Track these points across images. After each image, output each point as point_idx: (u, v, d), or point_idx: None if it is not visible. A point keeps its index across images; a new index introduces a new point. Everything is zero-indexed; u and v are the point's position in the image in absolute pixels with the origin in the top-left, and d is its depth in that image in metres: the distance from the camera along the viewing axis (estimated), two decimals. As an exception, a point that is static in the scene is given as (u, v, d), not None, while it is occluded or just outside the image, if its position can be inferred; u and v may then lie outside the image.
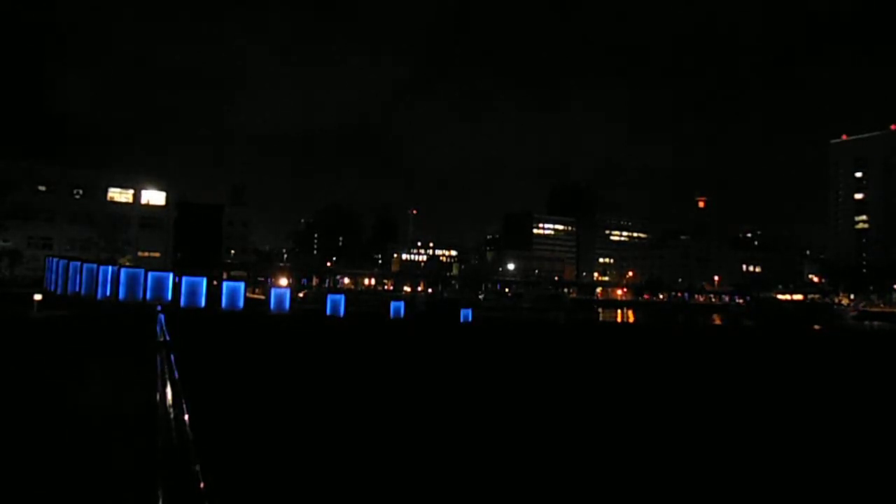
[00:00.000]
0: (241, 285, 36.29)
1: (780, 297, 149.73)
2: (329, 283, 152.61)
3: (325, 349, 22.81)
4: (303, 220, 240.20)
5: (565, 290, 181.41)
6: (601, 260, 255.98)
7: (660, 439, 11.05)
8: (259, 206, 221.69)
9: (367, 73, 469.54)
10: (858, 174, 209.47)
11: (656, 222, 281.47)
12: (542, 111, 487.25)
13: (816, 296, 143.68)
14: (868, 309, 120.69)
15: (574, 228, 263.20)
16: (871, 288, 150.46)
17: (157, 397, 6.19)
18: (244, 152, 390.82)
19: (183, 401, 4.91)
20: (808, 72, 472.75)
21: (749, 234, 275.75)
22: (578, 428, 11.74)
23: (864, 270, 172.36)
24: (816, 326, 63.71)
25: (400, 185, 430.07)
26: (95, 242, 70.51)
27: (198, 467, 3.02)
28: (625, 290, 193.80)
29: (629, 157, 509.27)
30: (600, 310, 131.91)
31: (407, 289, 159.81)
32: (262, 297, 51.15)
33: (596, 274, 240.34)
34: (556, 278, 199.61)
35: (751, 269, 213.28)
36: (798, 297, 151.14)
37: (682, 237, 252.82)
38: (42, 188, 77.55)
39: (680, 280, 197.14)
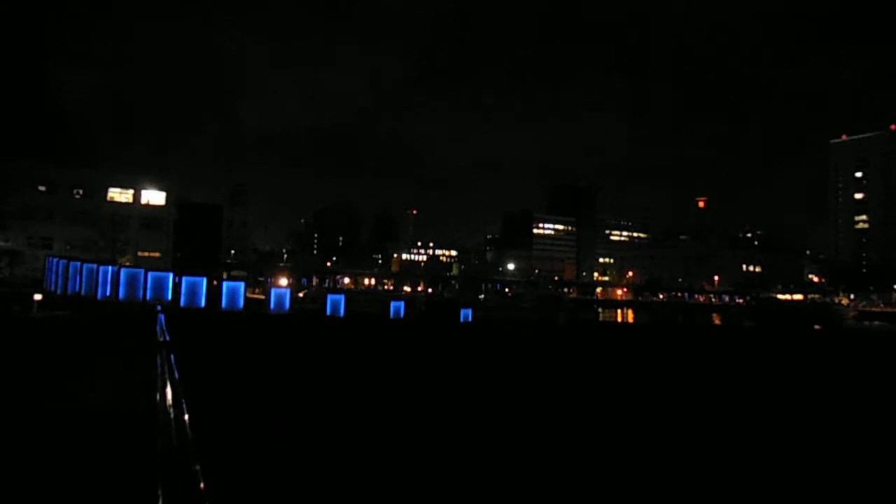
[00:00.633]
0: (241, 285, 36.29)
1: (780, 297, 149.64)
2: (329, 283, 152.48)
3: (325, 349, 22.80)
4: (303, 220, 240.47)
5: (565, 289, 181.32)
6: (601, 260, 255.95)
7: (658, 439, 11.04)
8: (259, 206, 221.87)
9: (368, 73, 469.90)
10: (858, 174, 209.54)
11: (656, 222, 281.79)
12: (543, 111, 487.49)
13: (816, 296, 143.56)
14: (868, 309, 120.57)
15: (574, 228, 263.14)
16: (871, 288, 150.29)
17: (158, 397, 6.18)
18: (244, 152, 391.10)
19: (183, 401, 4.90)
20: (809, 72, 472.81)
21: (749, 234, 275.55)
22: (577, 427, 11.72)
23: (864, 270, 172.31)
24: (816, 326, 63.70)
25: (400, 184, 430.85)
26: (95, 242, 70.37)
27: (198, 467, 3.01)
28: (625, 290, 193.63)
29: (629, 157, 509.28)
30: (600, 310, 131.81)
31: (407, 289, 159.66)
32: (262, 297, 51.10)
33: (596, 274, 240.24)
34: (556, 278, 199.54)
35: (751, 269, 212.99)
36: (798, 297, 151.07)
37: (682, 237, 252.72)
38: (42, 188, 77.44)
39: (680, 280, 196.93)
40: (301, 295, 73.58)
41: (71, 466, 6.76)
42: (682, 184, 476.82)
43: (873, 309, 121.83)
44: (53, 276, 41.02)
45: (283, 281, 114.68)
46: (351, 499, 7.65)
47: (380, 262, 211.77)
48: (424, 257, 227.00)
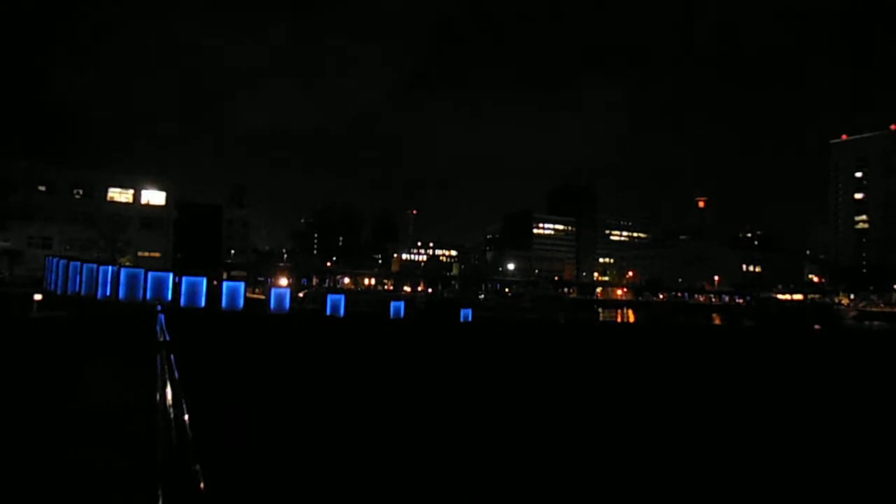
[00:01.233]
0: (241, 285, 36.24)
1: (780, 297, 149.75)
2: (329, 283, 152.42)
3: (325, 349, 22.80)
4: (303, 220, 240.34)
5: (565, 289, 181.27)
6: (601, 260, 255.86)
7: (657, 439, 11.03)
8: (259, 206, 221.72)
9: (368, 73, 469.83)
10: (858, 174, 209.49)
11: (656, 222, 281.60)
12: (543, 111, 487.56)
13: (816, 296, 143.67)
14: (868, 309, 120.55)
15: (574, 228, 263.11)
16: (871, 288, 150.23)
17: (158, 397, 6.17)
18: (244, 152, 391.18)
19: (183, 401, 4.89)
20: (809, 72, 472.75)
21: (749, 234, 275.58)
22: (576, 427, 11.72)
23: (864, 270, 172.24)
24: (816, 326, 63.69)
25: (400, 184, 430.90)
26: (95, 242, 70.37)
27: (198, 467, 3.00)
28: (625, 290, 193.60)
29: (629, 157, 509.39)
30: (600, 310, 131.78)
31: (407, 289, 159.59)
32: (262, 296, 51.07)
33: (596, 274, 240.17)
34: (556, 278, 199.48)
35: (751, 269, 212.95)
36: (798, 297, 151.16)
37: (682, 237, 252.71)
38: (42, 188, 77.41)
39: (680, 280, 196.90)
40: (301, 295, 73.56)
41: (71, 466, 6.76)
42: (682, 184, 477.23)
43: (873, 309, 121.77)
44: (53, 276, 40.99)
45: (283, 281, 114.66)
46: (351, 498, 7.64)
47: (380, 262, 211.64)
48: (424, 257, 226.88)
